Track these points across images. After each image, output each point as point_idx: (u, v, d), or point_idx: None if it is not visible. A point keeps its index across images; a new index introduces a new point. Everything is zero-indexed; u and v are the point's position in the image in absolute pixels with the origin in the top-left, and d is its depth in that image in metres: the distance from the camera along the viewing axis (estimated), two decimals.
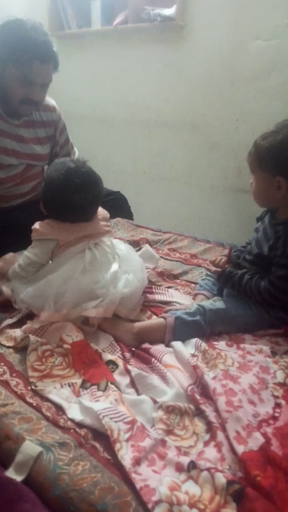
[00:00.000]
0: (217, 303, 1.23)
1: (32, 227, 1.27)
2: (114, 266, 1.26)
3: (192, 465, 0.76)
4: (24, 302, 1.20)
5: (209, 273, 1.44)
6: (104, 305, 1.17)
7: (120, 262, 1.29)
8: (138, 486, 0.72)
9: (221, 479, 0.72)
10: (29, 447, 0.80)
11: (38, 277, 1.24)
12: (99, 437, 0.85)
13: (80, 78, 2.75)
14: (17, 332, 1.15)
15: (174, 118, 2.42)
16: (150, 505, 0.69)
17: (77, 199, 1.24)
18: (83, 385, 0.98)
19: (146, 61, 2.40)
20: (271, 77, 2.03)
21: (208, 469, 0.74)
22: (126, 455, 0.78)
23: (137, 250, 1.63)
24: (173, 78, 2.34)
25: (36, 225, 1.27)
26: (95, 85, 2.71)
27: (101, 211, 1.39)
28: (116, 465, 0.78)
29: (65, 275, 1.19)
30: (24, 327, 1.15)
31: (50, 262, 1.27)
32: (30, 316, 1.23)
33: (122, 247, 1.39)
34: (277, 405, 0.94)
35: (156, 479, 0.74)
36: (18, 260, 1.31)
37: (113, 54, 2.55)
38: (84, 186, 1.24)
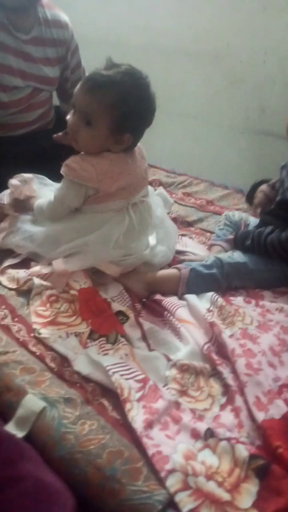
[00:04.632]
0: (236, 256, 1.14)
1: (65, 162, 1.02)
2: (152, 241, 1.13)
3: (210, 434, 0.70)
4: (34, 240, 1.08)
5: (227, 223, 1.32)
6: (125, 264, 1.08)
7: (156, 229, 1.17)
8: (150, 452, 0.66)
9: (242, 451, 0.65)
10: (32, 402, 0.74)
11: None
12: (107, 394, 0.78)
13: None
14: (20, 273, 1.06)
15: (196, 47, 2.16)
16: (162, 474, 0.64)
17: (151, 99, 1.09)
18: (90, 336, 0.90)
19: None
20: None
21: (228, 439, 0.68)
22: (137, 416, 0.72)
23: None
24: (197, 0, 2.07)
25: (71, 162, 1.01)
26: (110, 5, 2.42)
27: (140, 146, 1.13)
28: (125, 426, 0.72)
29: (100, 241, 1.06)
30: (31, 270, 1.05)
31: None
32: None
33: (159, 212, 1.22)
34: None
35: (170, 446, 0.68)
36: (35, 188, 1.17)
37: None
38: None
